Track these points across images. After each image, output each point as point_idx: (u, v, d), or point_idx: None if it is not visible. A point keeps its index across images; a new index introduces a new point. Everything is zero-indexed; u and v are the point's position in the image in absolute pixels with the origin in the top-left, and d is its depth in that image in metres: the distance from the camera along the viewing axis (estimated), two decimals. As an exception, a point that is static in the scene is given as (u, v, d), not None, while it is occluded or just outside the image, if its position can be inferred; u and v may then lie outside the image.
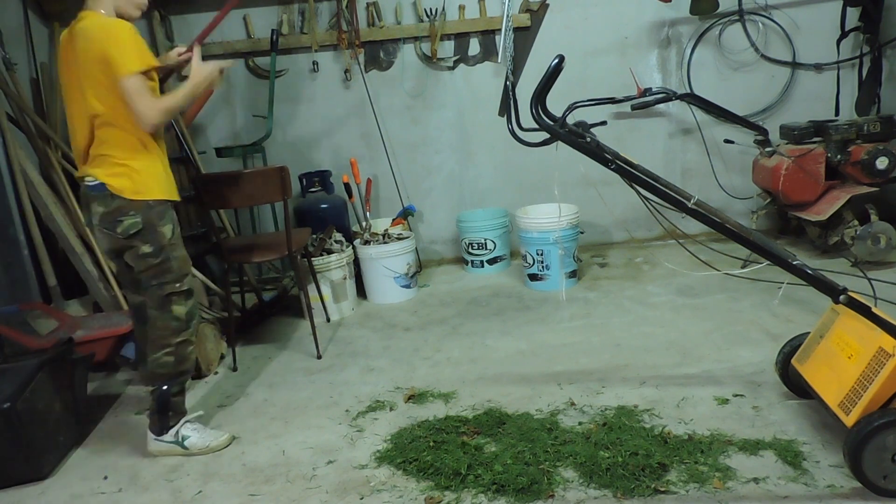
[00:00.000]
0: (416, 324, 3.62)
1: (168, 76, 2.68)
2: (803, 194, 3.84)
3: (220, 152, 4.33)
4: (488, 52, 4.43)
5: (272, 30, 4.21)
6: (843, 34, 4.22)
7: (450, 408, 2.64)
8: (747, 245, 2.21)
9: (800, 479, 2.00)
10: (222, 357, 3.37)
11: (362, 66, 4.40)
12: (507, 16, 4.16)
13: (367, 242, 4.02)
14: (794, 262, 2.11)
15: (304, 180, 4.32)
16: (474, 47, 4.43)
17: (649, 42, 4.42)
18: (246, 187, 3.12)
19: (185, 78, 2.43)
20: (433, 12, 4.31)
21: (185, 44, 2.61)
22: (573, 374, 2.83)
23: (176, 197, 2.46)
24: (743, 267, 3.77)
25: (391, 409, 2.70)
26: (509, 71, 4.10)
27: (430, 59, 4.41)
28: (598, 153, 2.23)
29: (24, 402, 2.37)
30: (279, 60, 4.31)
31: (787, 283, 2.90)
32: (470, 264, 4.40)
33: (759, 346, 2.90)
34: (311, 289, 3.65)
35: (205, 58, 2.46)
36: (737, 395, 2.51)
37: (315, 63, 4.42)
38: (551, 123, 2.23)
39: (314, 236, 3.89)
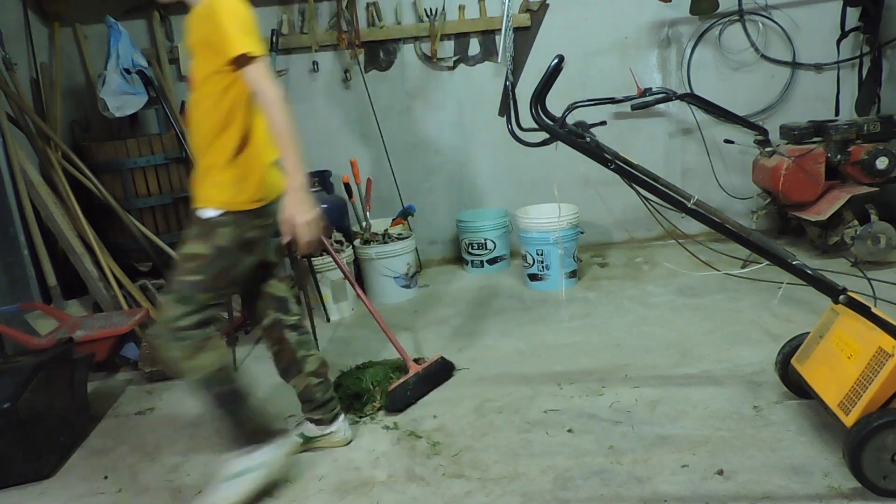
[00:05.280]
0: (415, 324, 3.61)
1: None
2: (803, 194, 3.84)
3: (220, 152, 4.33)
4: (488, 52, 4.43)
5: (272, 30, 4.21)
6: (843, 34, 4.22)
7: (450, 408, 2.64)
8: (747, 245, 2.21)
9: (799, 479, 2.00)
10: (222, 357, 3.37)
11: (362, 67, 4.39)
12: (507, 16, 4.18)
13: (367, 242, 4.02)
14: (794, 262, 2.11)
15: (304, 180, 4.32)
16: (474, 47, 4.43)
17: (649, 42, 4.42)
18: (246, 187, 3.12)
19: None
20: (433, 12, 4.30)
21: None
22: (573, 374, 2.83)
23: None
24: (743, 267, 3.76)
25: (391, 409, 2.70)
26: (509, 71, 4.11)
27: (430, 60, 4.41)
28: (598, 153, 2.23)
29: (24, 402, 2.37)
30: (279, 60, 4.31)
31: (787, 283, 2.90)
32: (470, 264, 4.40)
33: (759, 346, 2.90)
34: (311, 289, 3.65)
35: None
36: (736, 395, 2.51)
37: (315, 63, 4.42)
38: (551, 123, 2.23)
39: (314, 236, 3.88)
